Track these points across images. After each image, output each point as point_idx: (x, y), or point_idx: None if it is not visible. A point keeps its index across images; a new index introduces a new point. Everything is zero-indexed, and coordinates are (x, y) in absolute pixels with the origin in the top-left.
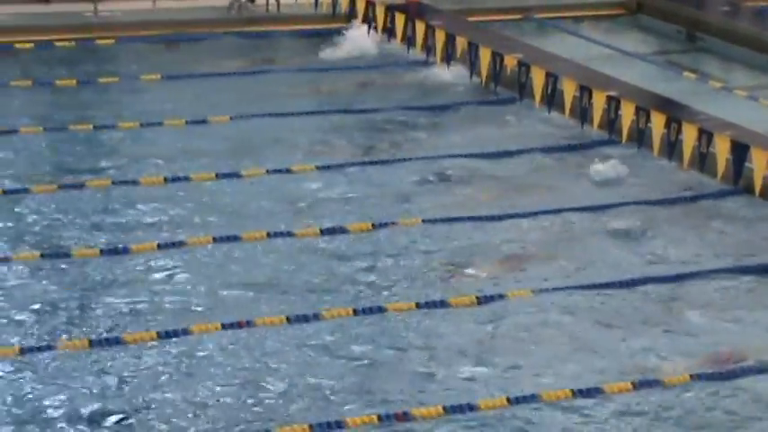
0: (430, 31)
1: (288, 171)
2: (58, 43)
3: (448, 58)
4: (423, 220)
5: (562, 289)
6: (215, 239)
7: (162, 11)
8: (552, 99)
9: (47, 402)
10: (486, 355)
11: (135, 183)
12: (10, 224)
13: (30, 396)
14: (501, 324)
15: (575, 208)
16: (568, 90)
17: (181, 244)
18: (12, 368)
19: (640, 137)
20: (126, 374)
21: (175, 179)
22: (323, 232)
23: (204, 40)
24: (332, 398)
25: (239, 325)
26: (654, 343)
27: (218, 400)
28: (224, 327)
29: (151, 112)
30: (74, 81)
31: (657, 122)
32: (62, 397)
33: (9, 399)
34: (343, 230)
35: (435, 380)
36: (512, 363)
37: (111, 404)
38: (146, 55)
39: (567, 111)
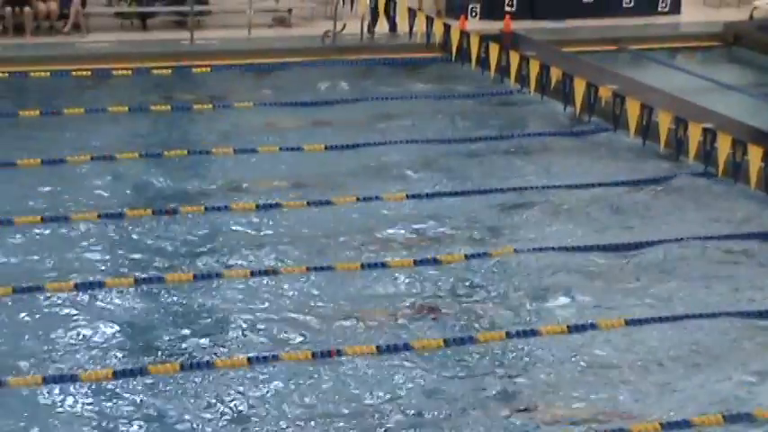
0: (524, 61)
1: (378, 198)
2: (154, 71)
3: (542, 88)
4: (515, 250)
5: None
6: (308, 268)
7: (257, 40)
8: (647, 130)
9: (137, 425)
10: None
11: (227, 209)
12: (106, 248)
13: (122, 418)
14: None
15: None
16: (664, 122)
17: (273, 272)
18: (106, 391)
19: (736, 170)
20: (218, 398)
21: (267, 206)
22: (416, 263)
23: (297, 68)
24: None
25: (330, 354)
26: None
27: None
28: (314, 356)
29: (244, 138)
30: (169, 107)
31: (754, 155)
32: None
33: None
34: (435, 261)
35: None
36: None
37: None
38: (240, 82)
39: (663, 142)
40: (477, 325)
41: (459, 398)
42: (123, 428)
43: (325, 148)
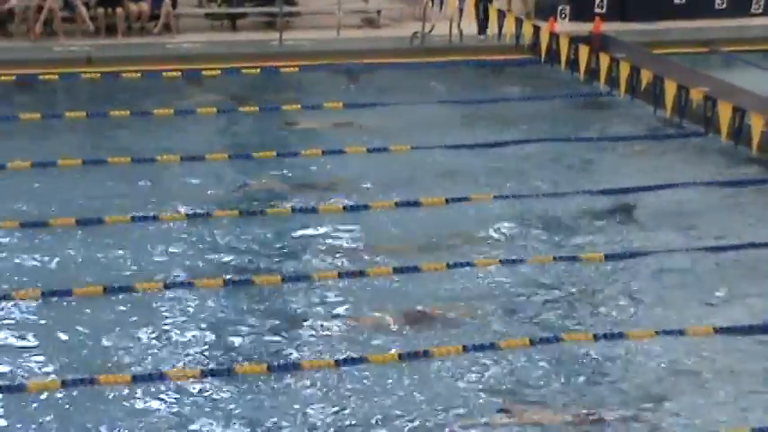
0: (614, 63)
1: (466, 200)
2: (244, 71)
3: (632, 90)
4: (605, 256)
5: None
6: (395, 269)
7: (345, 41)
8: (740, 133)
9: (222, 425)
10: None
11: (314, 210)
12: (194, 249)
13: (207, 418)
14: None
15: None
16: (756, 125)
17: (360, 273)
18: (193, 391)
19: None
20: (304, 399)
21: (355, 207)
22: (502, 263)
23: (386, 69)
24: None
25: (416, 355)
26: None
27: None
28: (401, 357)
29: (332, 139)
30: (256, 108)
31: None
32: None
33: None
34: (521, 262)
35: None
36: None
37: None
38: (328, 83)
39: (755, 146)
40: (564, 324)
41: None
42: (208, 428)
43: (412, 148)
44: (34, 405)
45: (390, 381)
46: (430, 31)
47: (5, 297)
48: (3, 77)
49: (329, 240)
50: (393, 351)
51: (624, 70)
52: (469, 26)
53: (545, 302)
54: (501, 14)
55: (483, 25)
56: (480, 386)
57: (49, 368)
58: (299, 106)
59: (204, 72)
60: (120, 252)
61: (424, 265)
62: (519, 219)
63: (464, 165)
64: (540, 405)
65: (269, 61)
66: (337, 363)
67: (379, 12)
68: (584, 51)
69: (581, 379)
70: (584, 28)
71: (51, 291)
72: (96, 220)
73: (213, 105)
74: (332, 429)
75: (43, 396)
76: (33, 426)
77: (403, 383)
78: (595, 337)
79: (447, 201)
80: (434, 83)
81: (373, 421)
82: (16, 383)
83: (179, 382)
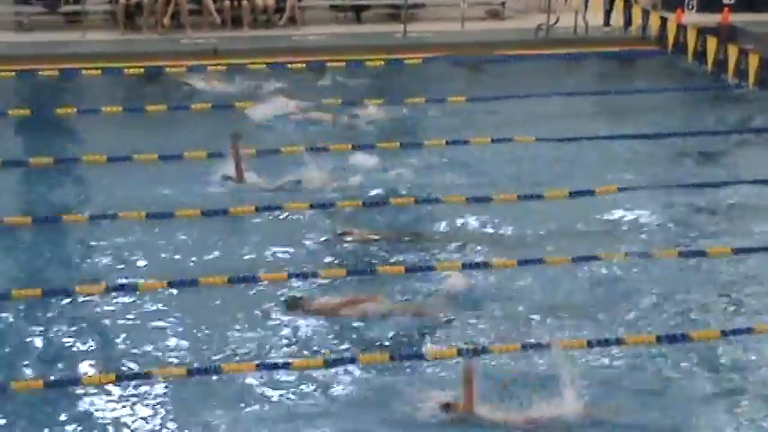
0: (743, 55)
1: (589, 193)
2: (368, 63)
3: (761, 82)
4: (732, 250)
5: None
6: (519, 262)
7: (469, 32)
8: None
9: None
10: None
11: (438, 201)
12: (322, 239)
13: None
14: None
15: None
16: None
17: (486, 265)
18: (318, 379)
19: None
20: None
21: (478, 199)
22: (627, 256)
23: (511, 61)
24: None
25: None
26: None
27: None
28: (524, 347)
29: (456, 131)
30: (382, 100)
31: None
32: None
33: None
34: (647, 256)
35: None
36: None
37: None
38: (452, 76)
39: None
40: (690, 320)
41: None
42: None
43: (537, 140)
44: None
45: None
46: (555, 22)
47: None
48: (131, 70)
49: (450, 231)
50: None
51: (753, 62)
52: (595, 17)
53: (674, 297)
54: (627, 5)
55: (609, 16)
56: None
57: None
58: (423, 99)
59: (329, 64)
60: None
61: (547, 258)
62: (649, 211)
63: (588, 157)
64: None
65: (393, 53)
66: (459, 352)
67: (503, 3)
68: (712, 43)
69: None
70: (712, 19)
71: (179, 280)
72: (222, 211)
73: (338, 97)
74: None
75: None
76: None
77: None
78: (723, 333)
79: (570, 194)
80: (559, 75)
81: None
82: None
83: (302, 370)
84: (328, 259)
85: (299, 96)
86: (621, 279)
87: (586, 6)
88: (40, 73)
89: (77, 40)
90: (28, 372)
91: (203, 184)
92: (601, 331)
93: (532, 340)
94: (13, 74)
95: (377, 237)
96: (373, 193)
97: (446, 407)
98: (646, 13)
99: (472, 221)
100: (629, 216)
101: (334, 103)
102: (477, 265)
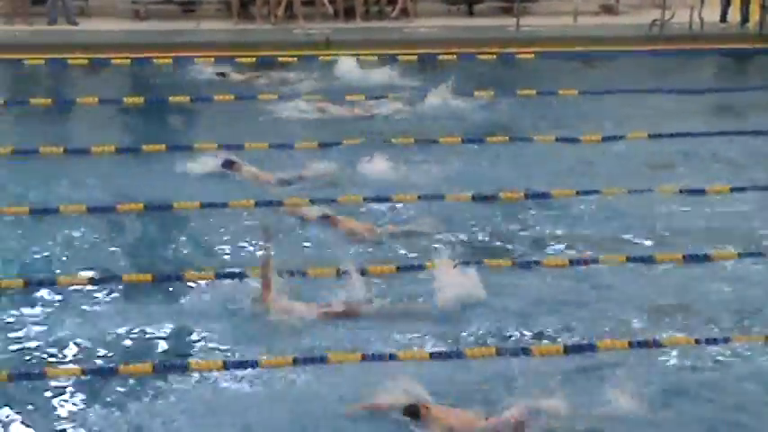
0: None
1: (700, 192)
2: (480, 56)
3: None
4: None
5: None
6: (628, 258)
7: (582, 27)
8: None
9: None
10: None
11: (546, 196)
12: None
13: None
14: None
15: None
16: None
17: (595, 261)
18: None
19: None
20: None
21: (585, 192)
22: (740, 256)
23: (624, 56)
24: None
25: (646, 344)
26: None
27: None
28: (630, 345)
29: (566, 125)
30: (492, 93)
31: None
32: None
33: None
34: (761, 255)
35: None
36: None
37: None
38: (564, 70)
39: None
40: None
41: None
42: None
43: (649, 136)
44: None
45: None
46: (670, 18)
47: None
48: (244, 59)
49: (560, 227)
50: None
51: None
52: (711, 14)
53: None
54: (745, 1)
55: (726, 12)
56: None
57: None
58: (535, 92)
59: (440, 57)
60: None
61: (657, 255)
62: (761, 210)
63: (700, 154)
64: None
65: (505, 47)
66: (566, 349)
67: None
68: None
69: None
70: None
71: None
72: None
73: (445, 90)
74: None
75: None
76: None
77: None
78: None
79: (681, 191)
80: (673, 72)
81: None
82: None
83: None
84: None
85: (404, 88)
86: (734, 279)
87: (702, 2)
88: (154, 61)
89: (192, 29)
90: None
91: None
92: (709, 331)
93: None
94: (129, 61)
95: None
96: (482, 187)
97: (410, 409)
98: (764, 10)
99: (580, 216)
100: (740, 215)
101: (443, 95)
102: (583, 262)
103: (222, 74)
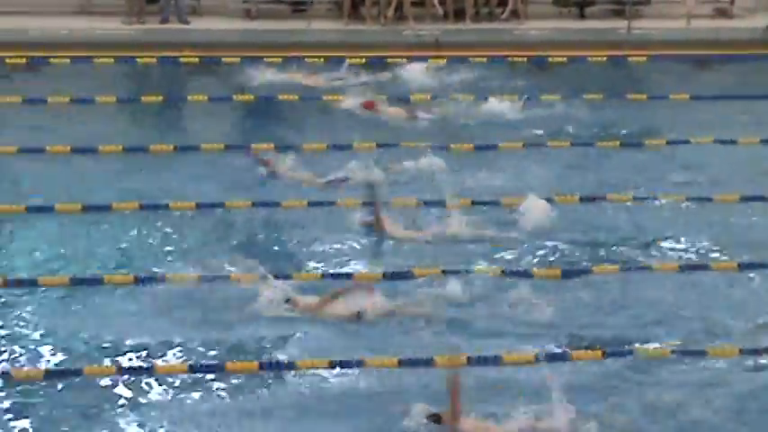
0: None
1: None
2: (590, 59)
3: None
4: None
5: None
6: (740, 266)
7: (696, 30)
8: None
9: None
10: None
11: (654, 199)
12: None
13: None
14: None
15: None
16: None
17: (705, 267)
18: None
19: None
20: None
21: (697, 199)
22: None
23: (738, 60)
24: None
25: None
26: None
27: None
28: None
29: (676, 129)
30: (601, 96)
31: None
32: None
33: None
34: None
35: None
36: None
37: None
38: (676, 74)
39: None
40: None
41: None
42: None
43: (762, 142)
44: None
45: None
46: None
47: None
48: (354, 60)
49: (667, 230)
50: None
51: None
52: None
53: None
54: None
55: None
56: None
57: None
58: (645, 96)
59: (550, 59)
60: None
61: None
62: None
63: None
64: None
65: (616, 50)
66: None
67: (732, 1)
68: None
69: None
70: None
71: None
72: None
73: (555, 93)
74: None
75: None
76: None
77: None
78: None
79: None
80: None
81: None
82: None
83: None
84: None
85: (515, 90)
86: None
87: None
88: (264, 60)
89: (302, 29)
90: None
91: None
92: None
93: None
94: (239, 60)
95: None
96: (590, 190)
97: (433, 417)
98: None
99: (690, 221)
100: None
101: (553, 98)
102: (697, 267)
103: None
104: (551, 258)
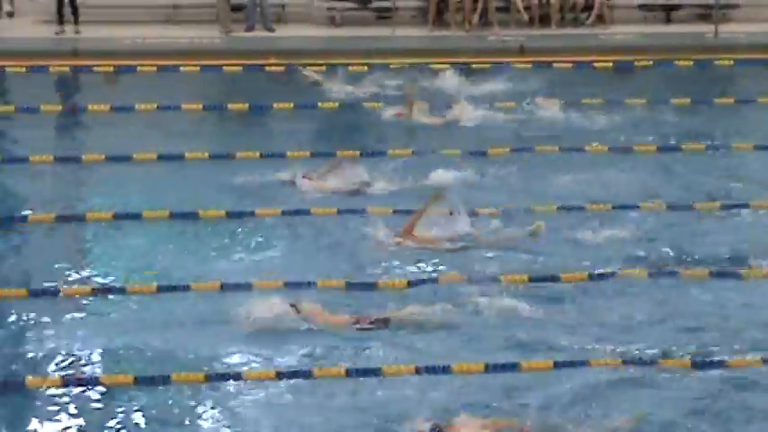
0: None
1: None
2: (677, 63)
3: None
4: None
5: None
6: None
7: None
8: None
9: None
10: None
11: (744, 206)
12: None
13: None
14: None
15: None
16: None
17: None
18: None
19: None
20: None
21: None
22: None
23: None
24: None
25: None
26: None
27: None
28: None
29: (765, 133)
30: (688, 101)
31: None
32: None
33: None
34: None
35: None
36: None
37: None
38: (764, 77)
39: None
40: None
41: None
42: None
43: None
44: None
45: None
46: None
47: None
48: (439, 65)
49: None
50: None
51: None
52: None
53: None
54: None
55: None
56: None
57: None
58: (732, 100)
59: (636, 64)
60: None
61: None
62: None
63: None
64: None
65: (703, 54)
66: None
67: None
68: None
69: None
70: None
71: None
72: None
73: (641, 97)
74: None
75: None
76: None
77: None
78: None
79: None
80: None
81: None
82: None
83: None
84: None
85: (601, 95)
86: None
87: None
88: (349, 68)
89: (387, 36)
90: None
91: None
92: None
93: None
94: (324, 67)
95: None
96: (675, 196)
97: (437, 429)
98: None
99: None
100: None
101: (637, 102)
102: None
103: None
104: (637, 264)
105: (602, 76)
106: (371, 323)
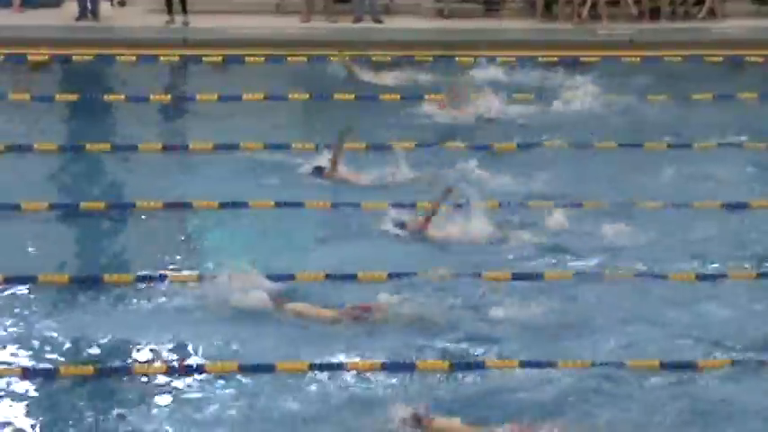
0: None
1: None
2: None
3: None
4: None
5: None
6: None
7: None
8: None
9: None
10: None
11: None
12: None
13: None
14: None
15: None
16: None
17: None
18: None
19: None
20: None
21: None
22: None
23: None
24: None
25: None
26: None
27: None
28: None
29: None
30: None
31: None
32: None
33: None
34: None
35: None
36: None
37: None
38: None
39: None
40: None
41: None
42: None
43: None
44: None
45: None
46: None
47: None
48: (546, 58)
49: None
50: None
51: None
52: None
53: None
54: None
55: None
56: None
57: None
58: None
59: (747, 59)
60: None
61: None
62: None
63: None
64: None
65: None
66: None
67: None
68: None
69: None
70: None
71: None
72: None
73: (754, 91)
74: None
75: None
76: None
77: None
78: None
79: None
80: None
81: None
82: None
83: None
84: None
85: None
86: None
87: None
88: (456, 59)
89: (495, 28)
90: None
91: None
92: None
93: None
94: (431, 58)
95: None
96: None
97: (414, 420)
98: None
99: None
100: None
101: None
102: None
103: None
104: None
105: (714, 70)
106: (356, 317)
